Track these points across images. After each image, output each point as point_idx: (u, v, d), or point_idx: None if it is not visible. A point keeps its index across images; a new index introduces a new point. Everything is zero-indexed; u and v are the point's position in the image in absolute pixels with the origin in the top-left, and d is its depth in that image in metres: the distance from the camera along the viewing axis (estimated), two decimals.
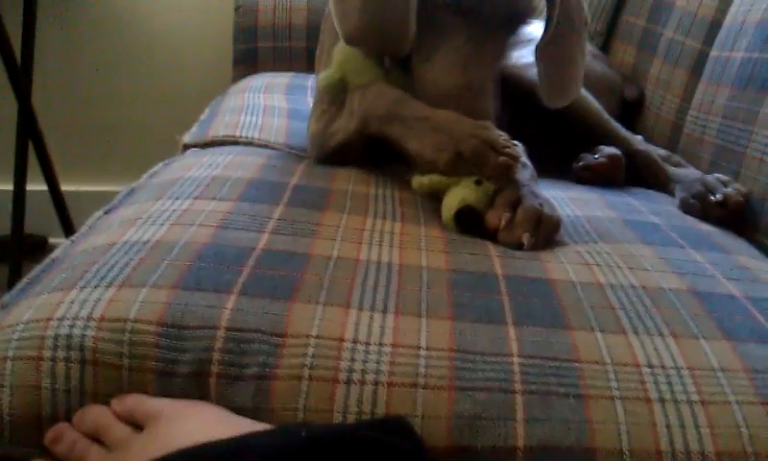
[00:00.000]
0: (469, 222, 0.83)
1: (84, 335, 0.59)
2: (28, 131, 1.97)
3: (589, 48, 1.47)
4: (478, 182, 0.84)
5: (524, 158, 0.94)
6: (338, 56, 1.00)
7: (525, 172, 0.91)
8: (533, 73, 1.25)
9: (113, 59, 2.23)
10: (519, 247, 0.80)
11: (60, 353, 0.59)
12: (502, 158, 0.82)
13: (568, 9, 0.95)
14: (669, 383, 0.59)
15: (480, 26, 0.87)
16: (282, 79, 1.69)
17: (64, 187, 2.13)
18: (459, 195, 0.83)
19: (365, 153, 1.01)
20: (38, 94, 2.05)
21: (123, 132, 2.29)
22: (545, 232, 0.82)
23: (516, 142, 0.88)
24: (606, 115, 1.25)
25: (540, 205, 0.84)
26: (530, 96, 1.24)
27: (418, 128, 0.88)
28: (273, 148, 1.09)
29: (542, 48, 0.95)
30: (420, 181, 0.89)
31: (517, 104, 1.26)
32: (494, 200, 0.84)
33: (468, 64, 0.86)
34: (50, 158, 2.06)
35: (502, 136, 0.84)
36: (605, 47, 1.65)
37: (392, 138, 0.91)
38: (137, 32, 2.22)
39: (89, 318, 0.60)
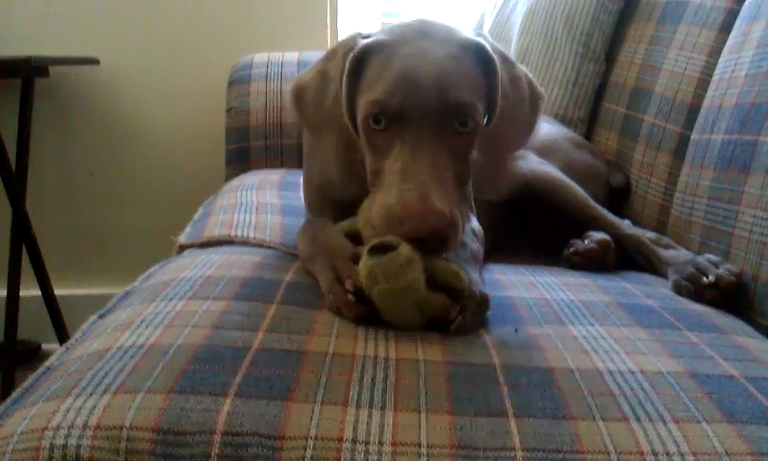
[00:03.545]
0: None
1: (79, 445, 0.58)
2: (22, 235, 1.97)
3: (573, 137, 1.51)
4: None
5: (467, 238, 0.95)
6: None
7: (464, 252, 0.92)
8: (518, 165, 1.28)
9: (106, 162, 2.26)
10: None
11: None
12: (349, 297, 0.80)
13: (510, 105, 0.92)
14: None
15: (417, 133, 0.84)
16: (275, 175, 1.71)
17: (58, 292, 2.12)
18: None
19: None
20: (32, 199, 2.07)
21: (117, 234, 2.29)
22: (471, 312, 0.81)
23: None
24: (592, 202, 1.27)
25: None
26: (516, 187, 1.27)
27: (320, 264, 0.90)
28: (268, 247, 1.10)
29: (481, 140, 0.90)
30: None
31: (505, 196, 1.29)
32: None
33: (408, 177, 0.81)
34: (44, 263, 2.06)
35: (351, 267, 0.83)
36: (588, 134, 1.69)
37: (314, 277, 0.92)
38: (130, 135, 2.26)
39: (85, 426, 0.59)
